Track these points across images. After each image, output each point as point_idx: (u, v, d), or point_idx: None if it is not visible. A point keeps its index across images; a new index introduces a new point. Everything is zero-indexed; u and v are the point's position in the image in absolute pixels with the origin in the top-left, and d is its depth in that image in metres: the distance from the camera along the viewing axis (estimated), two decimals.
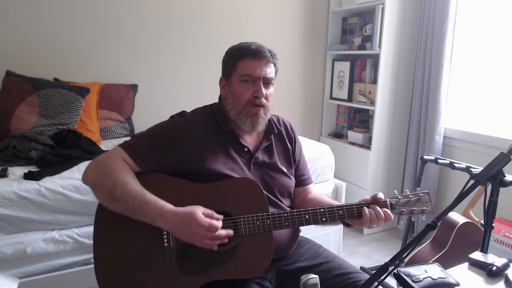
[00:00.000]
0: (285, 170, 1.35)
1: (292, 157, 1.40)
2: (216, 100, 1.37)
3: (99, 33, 2.57)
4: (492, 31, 2.53)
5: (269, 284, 1.22)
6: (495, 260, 1.15)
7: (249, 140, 1.32)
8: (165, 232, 1.15)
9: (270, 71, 1.26)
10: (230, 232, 1.11)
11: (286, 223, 1.17)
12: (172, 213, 1.09)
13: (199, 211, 1.09)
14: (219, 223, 1.09)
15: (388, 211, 1.18)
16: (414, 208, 1.21)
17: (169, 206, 1.11)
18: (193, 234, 1.07)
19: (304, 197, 1.41)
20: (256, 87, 1.24)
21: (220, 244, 1.13)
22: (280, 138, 1.38)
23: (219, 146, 1.25)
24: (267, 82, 1.26)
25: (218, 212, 1.16)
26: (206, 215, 1.09)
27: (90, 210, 1.66)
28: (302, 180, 1.43)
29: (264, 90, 1.24)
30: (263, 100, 1.25)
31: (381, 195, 1.20)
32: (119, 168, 1.14)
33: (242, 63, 1.24)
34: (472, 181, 1.06)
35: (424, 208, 1.21)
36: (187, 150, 1.21)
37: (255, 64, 1.23)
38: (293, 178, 1.38)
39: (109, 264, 1.15)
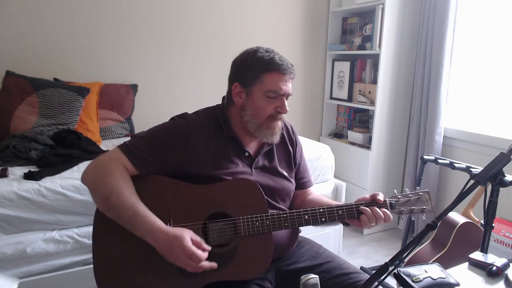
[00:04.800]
0: (286, 173, 1.34)
1: (293, 160, 1.39)
2: (217, 101, 1.37)
3: (99, 33, 2.57)
4: (492, 31, 2.53)
5: (269, 284, 1.22)
6: (495, 260, 1.15)
7: (251, 145, 1.32)
8: None
9: (291, 86, 1.26)
10: (214, 264, 1.09)
11: (286, 224, 1.17)
12: (161, 232, 1.07)
13: (188, 236, 1.07)
14: (204, 255, 1.07)
15: (388, 211, 1.18)
16: (413, 207, 1.21)
17: (159, 223, 1.09)
18: (175, 259, 1.07)
19: (304, 199, 1.41)
20: (280, 102, 1.23)
21: (220, 245, 1.13)
22: (282, 141, 1.37)
23: (220, 150, 1.24)
24: (287, 96, 1.26)
25: (218, 213, 1.16)
26: (194, 242, 1.07)
27: (90, 210, 1.66)
28: (302, 183, 1.43)
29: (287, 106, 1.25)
30: (283, 114, 1.26)
31: (380, 196, 1.20)
32: (118, 175, 1.13)
33: (268, 77, 1.21)
34: (472, 181, 1.06)
35: (424, 207, 1.21)
36: (187, 153, 1.20)
37: (281, 80, 1.22)
38: (293, 181, 1.38)
39: (108, 265, 1.15)
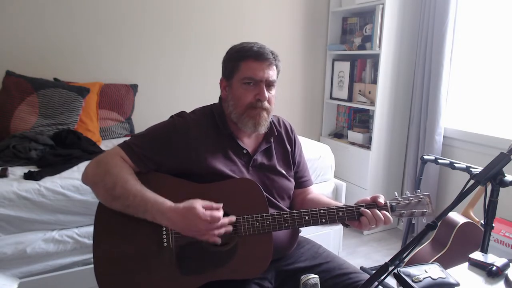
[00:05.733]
0: (284, 172, 1.34)
1: (291, 159, 1.39)
2: (216, 101, 1.37)
3: (100, 33, 2.57)
4: (492, 31, 2.53)
5: (269, 284, 1.22)
6: (495, 260, 1.15)
7: (248, 143, 1.32)
8: (164, 232, 1.15)
9: (272, 73, 1.24)
10: (232, 218, 1.11)
11: (286, 224, 1.17)
12: (172, 210, 1.09)
13: (199, 204, 1.08)
14: (220, 213, 1.08)
15: (388, 214, 1.18)
16: (414, 210, 1.21)
17: (168, 203, 1.11)
18: (197, 230, 1.07)
19: (304, 198, 1.41)
20: (258, 90, 1.22)
21: (220, 244, 1.13)
22: (280, 140, 1.37)
23: (218, 148, 1.25)
24: (269, 85, 1.24)
25: None
26: (206, 207, 1.09)
27: (90, 210, 1.66)
28: (302, 182, 1.43)
29: (266, 93, 1.22)
30: (265, 103, 1.23)
31: (381, 199, 1.19)
32: (119, 166, 1.15)
33: (244, 65, 1.22)
34: (472, 181, 1.06)
35: (425, 210, 1.21)
36: (185, 151, 1.21)
37: (257, 67, 1.21)
38: (292, 180, 1.38)
39: (108, 264, 1.15)
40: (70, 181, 1.68)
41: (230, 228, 1.11)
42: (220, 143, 1.26)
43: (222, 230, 1.09)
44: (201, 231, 1.07)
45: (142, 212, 1.10)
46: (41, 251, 1.62)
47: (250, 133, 1.30)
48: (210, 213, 1.07)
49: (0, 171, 1.69)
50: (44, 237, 1.64)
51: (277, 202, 1.30)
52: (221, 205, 1.11)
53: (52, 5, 2.41)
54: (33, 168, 1.77)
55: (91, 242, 1.66)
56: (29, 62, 2.38)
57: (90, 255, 1.67)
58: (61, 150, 1.96)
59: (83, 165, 1.82)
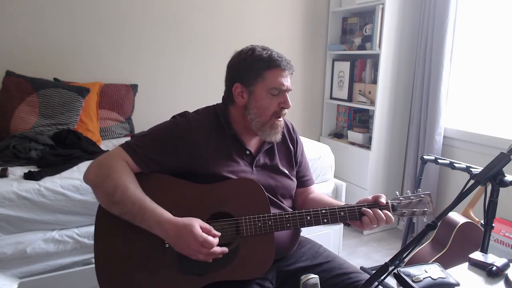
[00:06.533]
0: (287, 171, 1.34)
1: (293, 158, 1.39)
2: (217, 101, 1.36)
3: (100, 33, 2.57)
4: (492, 31, 2.53)
5: (270, 284, 1.22)
6: (495, 260, 1.15)
7: (251, 143, 1.32)
8: None
9: (290, 80, 1.27)
10: (225, 249, 1.10)
11: (288, 224, 1.17)
12: (169, 223, 1.08)
13: (197, 224, 1.08)
14: (215, 240, 1.08)
15: (389, 213, 1.18)
16: (415, 209, 1.21)
17: (167, 215, 1.10)
18: (187, 247, 1.07)
19: (306, 197, 1.41)
20: (283, 98, 1.24)
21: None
22: (282, 140, 1.37)
23: (221, 148, 1.25)
24: (288, 92, 1.27)
25: (220, 213, 1.16)
26: (204, 230, 1.08)
27: (90, 210, 1.66)
28: (304, 181, 1.43)
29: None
30: (286, 110, 1.27)
31: (382, 198, 1.20)
32: (121, 171, 1.14)
33: (270, 74, 1.22)
34: (472, 181, 1.06)
35: (426, 209, 1.21)
36: (188, 152, 1.21)
37: (282, 76, 1.23)
38: (294, 179, 1.38)
39: (110, 264, 1.15)
40: (70, 181, 1.68)
41: (219, 256, 1.10)
42: (223, 144, 1.26)
43: (210, 257, 1.08)
44: (190, 250, 1.07)
45: (140, 220, 1.10)
46: (41, 251, 1.62)
47: (254, 135, 1.30)
48: (205, 237, 1.06)
49: (0, 171, 1.69)
50: (44, 237, 1.64)
51: (280, 202, 1.30)
52: (219, 234, 1.10)
53: (52, 5, 2.41)
54: (33, 168, 1.77)
55: (91, 242, 1.67)
56: (29, 62, 2.38)
57: (90, 255, 1.68)
58: (61, 150, 1.96)
59: (83, 165, 1.82)
